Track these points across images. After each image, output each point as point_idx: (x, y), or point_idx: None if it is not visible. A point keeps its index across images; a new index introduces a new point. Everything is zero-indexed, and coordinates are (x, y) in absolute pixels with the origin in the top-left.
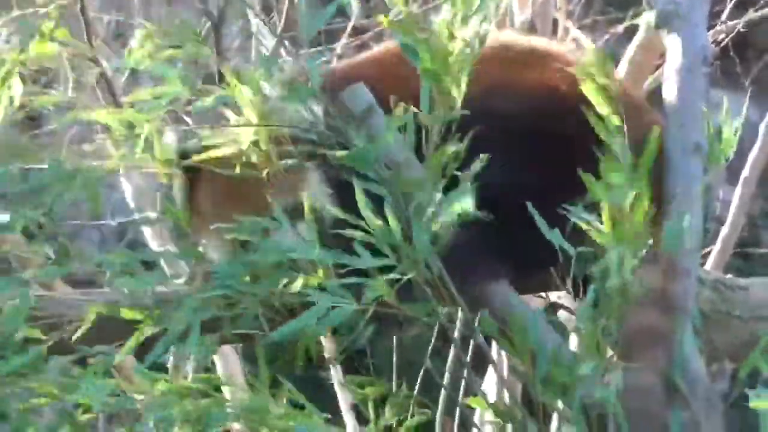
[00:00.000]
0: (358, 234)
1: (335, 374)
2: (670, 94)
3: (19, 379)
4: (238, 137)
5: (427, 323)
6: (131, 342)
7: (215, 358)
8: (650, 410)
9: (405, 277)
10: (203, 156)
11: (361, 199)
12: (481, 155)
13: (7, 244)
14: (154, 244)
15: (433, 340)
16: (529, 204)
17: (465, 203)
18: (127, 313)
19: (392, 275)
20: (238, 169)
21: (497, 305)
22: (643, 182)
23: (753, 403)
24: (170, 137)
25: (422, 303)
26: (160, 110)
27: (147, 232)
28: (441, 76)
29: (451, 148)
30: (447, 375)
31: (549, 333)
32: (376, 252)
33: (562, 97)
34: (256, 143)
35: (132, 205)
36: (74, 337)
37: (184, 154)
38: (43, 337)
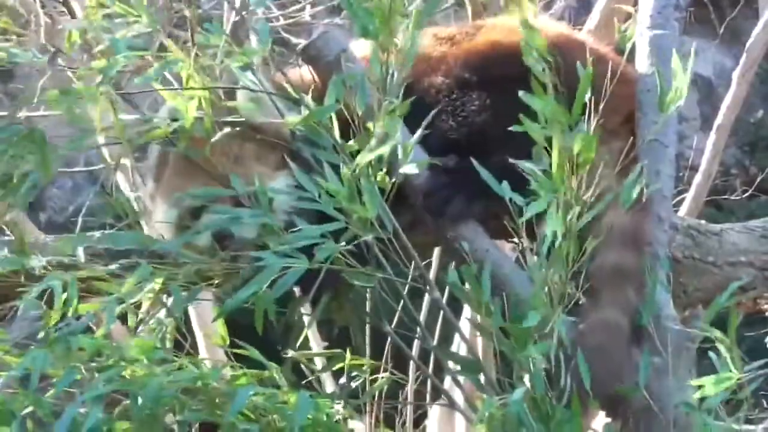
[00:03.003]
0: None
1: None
2: (642, 41)
3: None
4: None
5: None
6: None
7: (195, 327)
8: (612, 346)
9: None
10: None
11: (296, 167)
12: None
13: None
14: (125, 190)
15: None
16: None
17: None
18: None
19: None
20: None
21: (471, 247)
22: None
23: None
24: (164, 111)
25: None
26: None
27: (119, 177)
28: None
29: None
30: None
31: (520, 277)
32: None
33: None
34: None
35: (106, 152)
36: None
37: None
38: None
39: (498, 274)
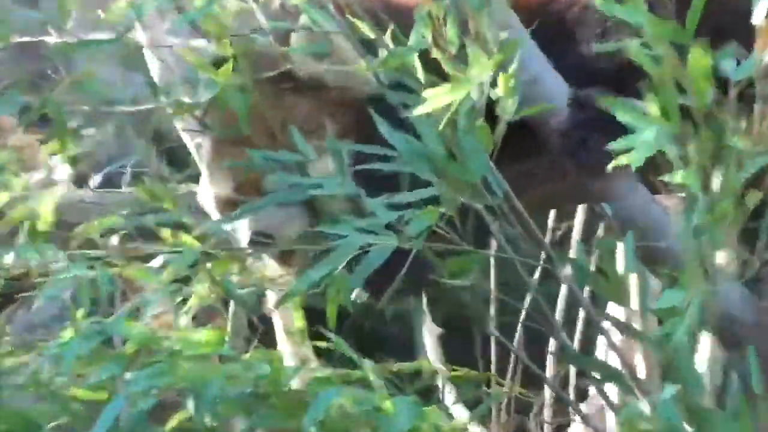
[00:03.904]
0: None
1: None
2: None
3: None
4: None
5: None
6: None
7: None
8: None
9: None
10: None
11: (379, 119)
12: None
13: None
14: (183, 135)
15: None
16: None
17: None
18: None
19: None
20: None
21: (619, 205)
22: None
23: None
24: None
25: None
26: None
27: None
28: None
29: None
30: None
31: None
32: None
33: None
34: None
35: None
36: None
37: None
38: None
39: (657, 241)
